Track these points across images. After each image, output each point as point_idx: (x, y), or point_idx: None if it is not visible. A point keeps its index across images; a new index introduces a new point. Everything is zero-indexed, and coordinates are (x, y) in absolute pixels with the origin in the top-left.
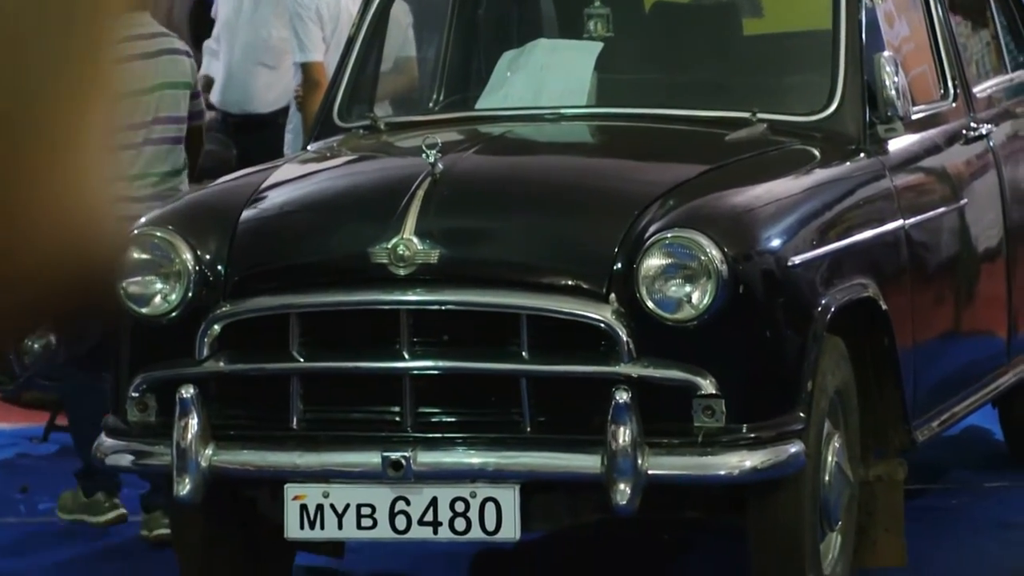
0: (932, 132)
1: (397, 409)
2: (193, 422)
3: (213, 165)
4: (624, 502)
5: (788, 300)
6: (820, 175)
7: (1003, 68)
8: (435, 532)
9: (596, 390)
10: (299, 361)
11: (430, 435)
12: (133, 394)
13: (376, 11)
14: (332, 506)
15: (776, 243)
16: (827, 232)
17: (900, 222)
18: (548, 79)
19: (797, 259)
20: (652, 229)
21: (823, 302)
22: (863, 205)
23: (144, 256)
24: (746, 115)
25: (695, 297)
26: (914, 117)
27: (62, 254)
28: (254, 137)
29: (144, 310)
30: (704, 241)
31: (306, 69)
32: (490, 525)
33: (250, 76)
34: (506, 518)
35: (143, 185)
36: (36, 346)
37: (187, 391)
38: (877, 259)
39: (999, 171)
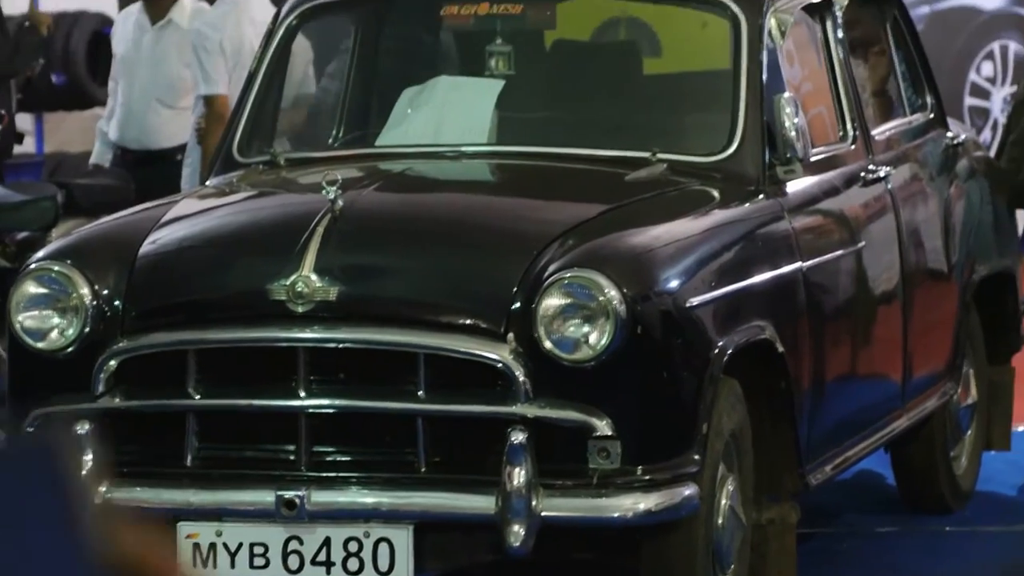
0: (831, 174)
1: (292, 448)
2: (87, 458)
3: (112, 200)
4: (518, 543)
5: (685, 342)
6: (719, 216)
7: (901, 111)
8: (328, 572)
9: (492, 430)
10: (195, 398)
11: (325, 474)
12: (28, 429)
13: (277, 46)
14: (225, 545)
15: (674, 284)
16: (725, 274)
17: (798, 264)
18: (449, 116)
19: (695, 300)
20: (551, 269)
21: (720, 344)
22: (761, 247)
23: (41, 290)
24: (646, 155)
25: (593, 338)
26: (813, 159)
27: None
28: (152, 171)
29: (40, 344)
30: (603, 281)
31: (210, 102)
32: (383, 565)
33: (149, 113)
34: (399, 558)
35: None
36: None
37: (82, 427)
38: (775, 301)
39: (897, 214)
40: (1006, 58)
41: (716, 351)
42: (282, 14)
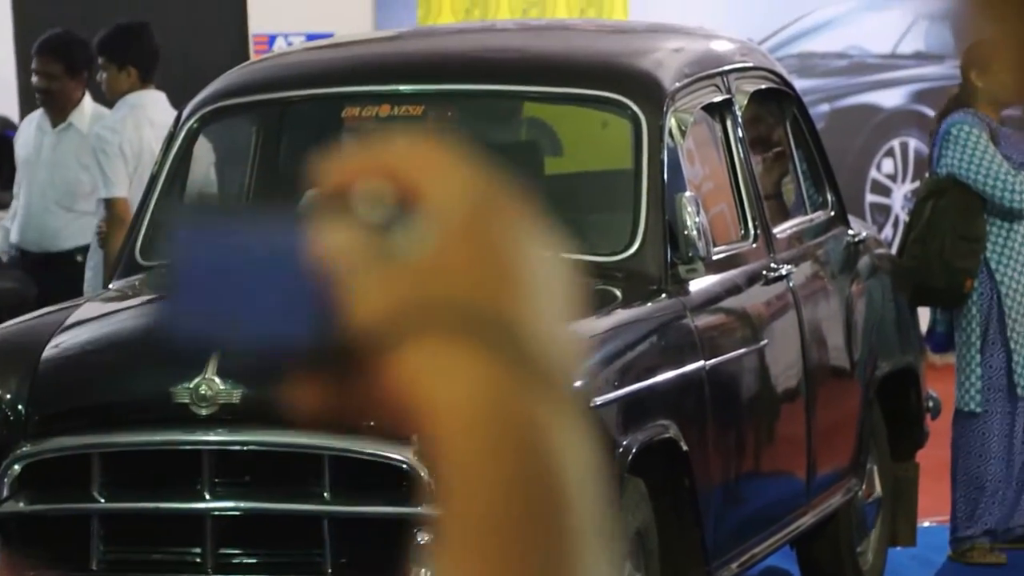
0: (733, 272)
1: (198, 550)
2: None
3: (13, 303)
4: None
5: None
6: (621, 315)
7: (803, 209)
8: None
9: (399, 530)
10: (99, 501)
11: None
12: None
13: (179, 149)
14: None
15: (577, 383)
16: (628, 373)
17: (701, 363)
18: None
19: (598, 399)
20: None
21: (624, 443)
22: (664, 346)
23: None
24: None
25: None
26: (715, 258)
27: None
28: (53, 275)
29: None
30: None
31: (111, 205)
32: None
33: (48, 215)
34: None
35: None
36: None
37: None
38: (678, 400)
39: (799, 312)
40: (906, 155)
41: (620, 450)
42: (183, 117)
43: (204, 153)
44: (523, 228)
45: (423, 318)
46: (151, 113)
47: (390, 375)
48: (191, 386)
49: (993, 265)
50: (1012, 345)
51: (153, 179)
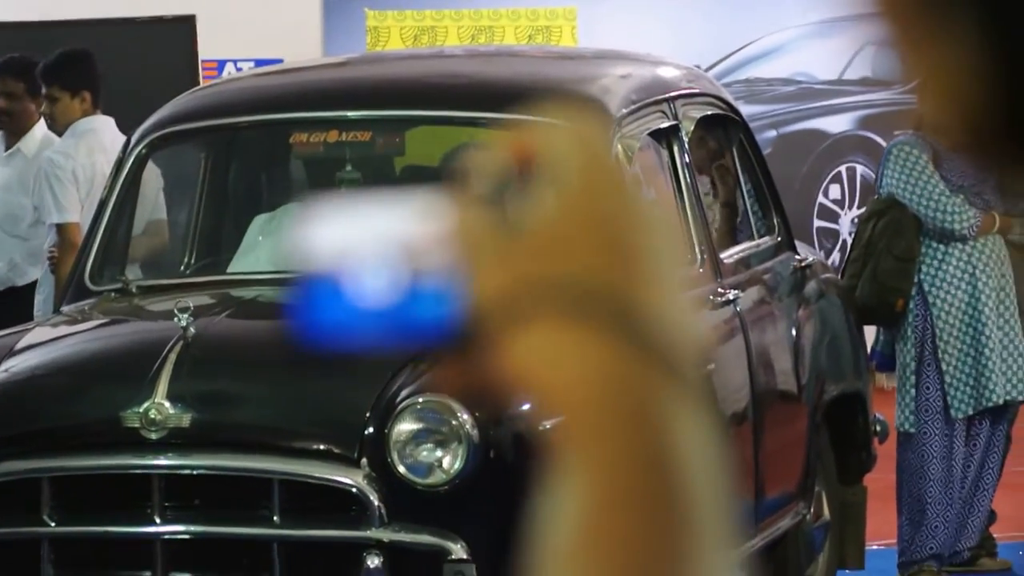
0: None
1: (148, 574)
2: None
3: None
4: None
5: (538, 465)
6: None
7: (749, 234)
8: None
9: (348, 554)
10: (50, 526)
11: None
12: None
13: (128, 174)
14: None
15: (526, 407)
16: None
17: None
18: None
19: (547, 423)
20: (403, 394)
21: None
22: None
23: None
24: None
25: (446, 462)
26: None
27: None
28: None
29: None
30: (455, 406)
31: (62, 230)
32: None
33: None
34: None
35: None
36: None
37: None
38: None
39: (746, 336)
40: (854, 181)
41: None
42: (131, 143)
43: (153, 178)
44: (639, 208)
45: (540, 298)
46: (103, 138)
47: (508, 355)
48: (141, 410)
49: (927, 287)
50: (944, 367)
51: (102, 205)
